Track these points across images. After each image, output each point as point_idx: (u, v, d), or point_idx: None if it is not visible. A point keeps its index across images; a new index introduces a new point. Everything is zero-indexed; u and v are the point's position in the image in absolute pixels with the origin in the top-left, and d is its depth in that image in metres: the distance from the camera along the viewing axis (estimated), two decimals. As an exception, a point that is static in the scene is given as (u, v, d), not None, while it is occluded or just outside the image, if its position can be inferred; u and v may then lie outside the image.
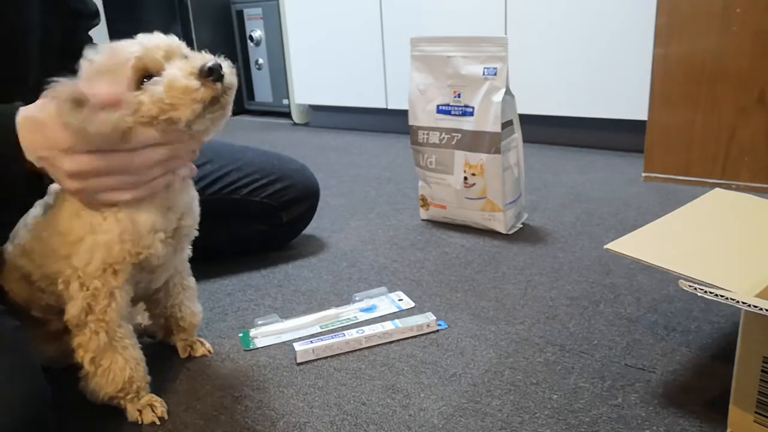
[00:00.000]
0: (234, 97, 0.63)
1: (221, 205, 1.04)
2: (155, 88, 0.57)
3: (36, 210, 0.66)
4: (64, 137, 0.57)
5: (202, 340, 0.81)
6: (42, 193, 0.65)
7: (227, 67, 0.60)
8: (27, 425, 0.52)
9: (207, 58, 0.59)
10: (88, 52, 0.60)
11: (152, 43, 0.59)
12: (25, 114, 0.59)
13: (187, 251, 0.76)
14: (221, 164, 1.05)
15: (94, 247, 0.62)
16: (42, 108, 0.58)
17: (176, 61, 0.59)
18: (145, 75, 0.58)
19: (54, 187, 0.66)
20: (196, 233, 0.73)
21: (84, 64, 0.59)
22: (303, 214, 1.14)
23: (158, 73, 0.58)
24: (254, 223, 1.08)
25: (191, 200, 0.69)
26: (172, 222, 0.66)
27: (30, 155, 0.58)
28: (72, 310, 0.63)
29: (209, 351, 0.80)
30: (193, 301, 0.78)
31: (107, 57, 0.58)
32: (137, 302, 0.76)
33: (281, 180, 1.08)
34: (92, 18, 0.86)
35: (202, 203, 0.73)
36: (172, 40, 0.61)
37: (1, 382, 0.52)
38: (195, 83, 0.57)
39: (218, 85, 0.58)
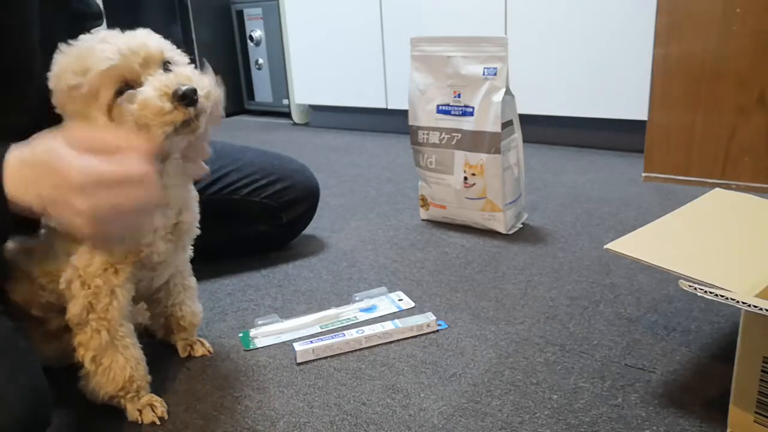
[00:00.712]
0: (207, 120, 0.62)
1: (221, 206, 1.04)
2: (129, 106, 0.57)
3: None
4: (78, 176, 0.54)
5: (202, 339, 0.81)
6: (32, 230, 0.66)
7: (205, 88, 0.59)
8: (27, 425, 0.52)
9: (182, 78, 0.58)
10: (63, 48, 0.59)
11: (130, 47, 0.58)
12: (21, 155, 0.56)
13: (189, 251, 0.76)
14: (221, 164, 1.05)
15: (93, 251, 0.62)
16: (48, 148, 0.56)
17: (154, 71, 0.58)
18: (121, 84, 0.58)
19: None
20: (198, 231, 0.73)
21: (56, 61, 0.58)
22: (303, 215, 1.14)
23: (135, 83, 0.58)
24: (254, 223, 1.09)
25: (189, 196, 0.70)
26: (171, 218, 0.67)
27: (25, 195, 0.55)
28: (73, 309, 0.63)
29: (209, 351, 0.80)
30: (193, 300, 0.78)
31: (81, 59, 0.57)
32: (139, 301, 0.76)
33: (281, 180, 1.08)
34: (95, 19, 0.86)
35: (202, 203, 0.73)
36: (152, 44, 0.59)
37: (1, 383, 0.52)
38: (168, 106, 0.57)
39: (190, 109, 0.58)
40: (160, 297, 0.76)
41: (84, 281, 0.62)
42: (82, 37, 0.60)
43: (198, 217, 0.72)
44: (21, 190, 0.55)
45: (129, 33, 0.60)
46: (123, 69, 0.57)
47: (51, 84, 0.59)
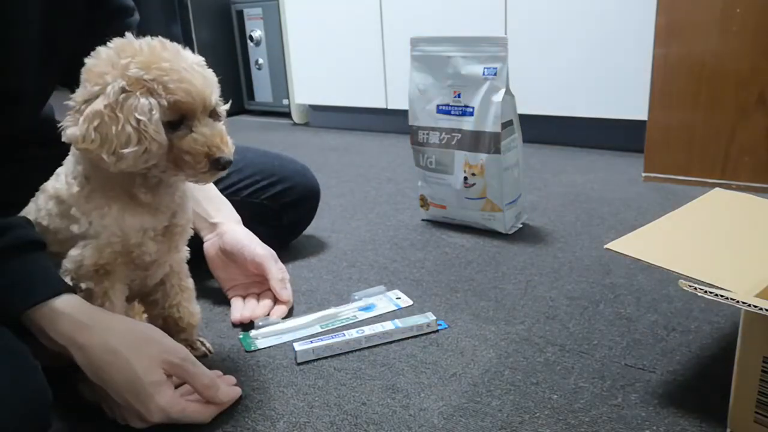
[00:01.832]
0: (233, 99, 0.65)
1: (221, 206, 1.04)
2: (180, 144, 0.60)
3: (31, 206, 0.67)
4: (157, 416, 0.59)
5: (202, 339, 0.81)
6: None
7: (233, 152, 0.63)
8: (28, 426, 0.52)
9: (225, 143, 0.61)
10: (101, 53, 0.60)
11: (205, 92, 0.60)
12: (95, 316, 0.60)
13: (185, 252, 0.76)
14: None
15: (84, 251, 0.63)
16: (137, 348, 0.60)
17: (205, 116, 0.61)
18: (181, 116, 0.60)
19: (48, 184, 0.66)
20: (192, 232, 0.73)
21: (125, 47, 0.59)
22: (303, 216, 1.14)
23: (187, 120, 0.60)
24: (255, 224, 1.08)
25: (183, 199, 0.70)
26: (162, 221, 0.67)
27: (70, 347, 0.59)
28: None
29: (210, 351, 0.80)
30: (191, 302, 0.78)
31: (167, 71, 0.58)
32: (133, 300, 0.76)
33: (282, 182, 1.08)
34: (130, 15, 0.84)
35: None
36: (216, 91, 0.62)
37: (1, 385, 0.52)
38: (205, 166, 0.60)
39: (217, 173, 0.62)
40: (157, 299, 0.76)
41: (76, 284, 0.63)
42: (153, 41, 0.61)
43: (191, 218, 0.72)
44: (68, 339, 0.58)
45: (198, 65, 0.61)
46: (191, 108, 0.59)
47: (103, 58, 0.59)
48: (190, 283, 0.78)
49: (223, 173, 0.63)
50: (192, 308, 0.78)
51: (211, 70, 0.63)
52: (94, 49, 0.61)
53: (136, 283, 0.70)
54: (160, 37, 0.61)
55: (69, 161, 0.65)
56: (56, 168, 0.67)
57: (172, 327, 0.78)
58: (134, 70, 0.57)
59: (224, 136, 0.62)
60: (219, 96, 0.64)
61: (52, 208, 0.64)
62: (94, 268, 0.63)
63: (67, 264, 0.63)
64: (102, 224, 0.62)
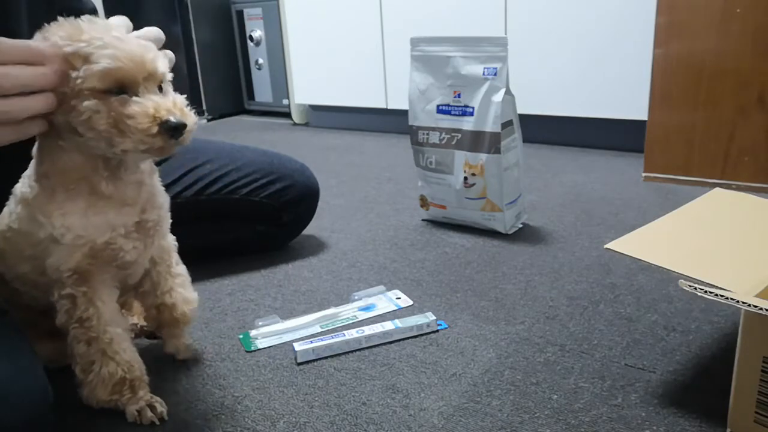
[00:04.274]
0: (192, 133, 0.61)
1: (221, 205, 1.04)
2: (120, 109, 0.56)
3: (5, 210, 0.66)
4: None
5: (194, 347, 0.79)
6: None
7: (191, 123, 0.59)
8: (29, 425, 0.52)
9: (177, 109, 0.57)
10: (57, 27, 0.57)
11: (143, 58, 0.57)
12: None
13: (170, 241, 0.74)
14: (221, 164, 1.05)
15: (56, 257, 0.61)
16: None
17: (152, 87, 0.57)
18: (117, 86, 0.56)
19: (17, 187, 0.64)
20: (168, 226, 0.71)
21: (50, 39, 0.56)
22: (303, 214, 1.14)
23: (130, 90, 0.56)
24: (254, 223, 1.08)
25: (152, 193, 0.67)
26: (132, 216, 0.64)
27: None
28: (57, 317, 0.63)
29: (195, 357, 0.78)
30: (185, 287, 0.75)
31: (97, 41, 0.55)
32: (118, 299, 0.75)
33: (281, 180, 1.08)
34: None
35: (202, 203, 0.73)
36: (161, 63, 0.59)
37: (3, 384, 0.52)
38: (154, 129, 0.56)
39: (171, 141, 0.57)
40: (146, 290, 0.73)
41: (59, 290, 0.62)
42: (93, 18, 0.58)
43: (163, 212, 0.69)
44: None
45: (139, 38, 0.59)
46: (127, 75, 0.56)
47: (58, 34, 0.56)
48: (181, 269, 0.75)
49: (182, 144, 0.58)
50: (187, 294, 0.75)
51: (152, 44, 0.60)
52: None
53: (117, 280, 0.68)
54: (89, 16, 0.58)
55: (31, 163, 0.63)
56: None
57: (167, 316, 0.74)
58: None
59: (179, 104, 0.58)
60: (168, 69, 0.60)
61: (21, 211, 0.62)
62: (68, 273, 0.61)
63: (50, 274, 0.62)
64: (65, 225, 0.60)
